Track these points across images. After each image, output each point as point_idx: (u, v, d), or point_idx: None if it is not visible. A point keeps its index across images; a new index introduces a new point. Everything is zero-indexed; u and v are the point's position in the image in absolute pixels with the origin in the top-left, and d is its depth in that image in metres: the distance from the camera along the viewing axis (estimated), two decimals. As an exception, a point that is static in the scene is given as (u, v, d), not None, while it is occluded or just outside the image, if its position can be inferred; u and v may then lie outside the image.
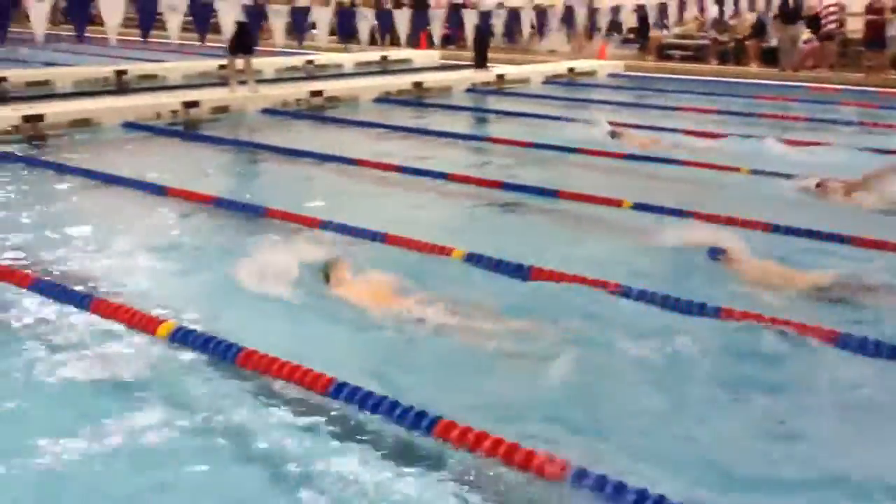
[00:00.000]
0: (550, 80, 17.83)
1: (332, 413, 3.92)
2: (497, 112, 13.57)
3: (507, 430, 3.64)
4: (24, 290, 5.36)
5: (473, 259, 6.04)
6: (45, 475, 3.49)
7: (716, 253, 5.88)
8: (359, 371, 4.25)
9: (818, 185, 7.89)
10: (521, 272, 5.80)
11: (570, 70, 18.59)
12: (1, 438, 3.78)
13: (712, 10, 19.69)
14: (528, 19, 16.85)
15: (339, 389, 3.97)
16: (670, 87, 16.69)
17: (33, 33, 11.16)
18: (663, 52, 21.23)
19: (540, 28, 17.46)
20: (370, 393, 3.94)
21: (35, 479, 3.47)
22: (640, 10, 18.51)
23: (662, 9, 18.45)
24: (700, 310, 5.01)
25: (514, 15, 16.69)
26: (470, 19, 16.42)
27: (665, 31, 20.86)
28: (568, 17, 17.28)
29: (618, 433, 3.81)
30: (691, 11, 19.71)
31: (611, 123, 11.08)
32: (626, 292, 5.27)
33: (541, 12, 17.28)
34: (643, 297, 5.22)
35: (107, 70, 16.27)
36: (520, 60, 19.55)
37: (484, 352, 4.56)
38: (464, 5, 19.08)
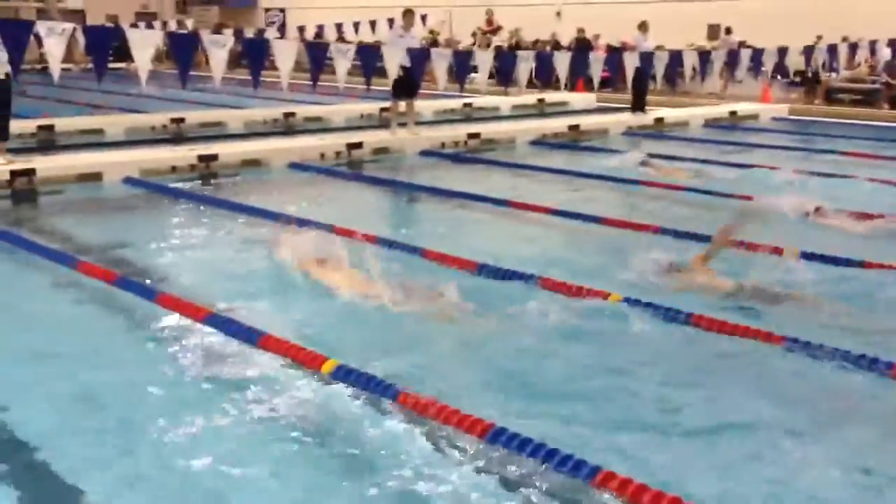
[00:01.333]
0: (711, 123, 17.46)
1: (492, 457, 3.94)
2: (653, 156, 13.36)
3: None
4: (197, 323, 5.65)
5: (630, 303, 5.99)
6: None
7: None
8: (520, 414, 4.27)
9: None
10: (679, 318, 5.72)
11: (732, 113, 18.17)
12: (172, 467, 3.98)
13: (884, 53, 18.86)
14: (689, 62, 16.62)
15: (497, 435, 3.99)
16: (837, 132, 16.04)
17: (212, 77, 11.82)
18: (831, 96, 20.45)
19: (702, 71, 17.19)
20: (528, 439, 3.93)
21: None
22: (808, 53, 17.93)
23: (832, 51, 17.81)
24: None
25: (675, 58, 16.49)
26: (630, 62, 16.33)
27: (833, 75, 20.13)
28: (731, 59, 16.93)
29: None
30: (862, 54, 18.95)
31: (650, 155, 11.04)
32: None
33: (703, 55, 17.01)
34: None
35: (276, 112, 17.07)
36: (679, 103, 19.26)
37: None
38: (623, 48, 19.01)
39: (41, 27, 10.07)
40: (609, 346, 5.45)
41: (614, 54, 17.31)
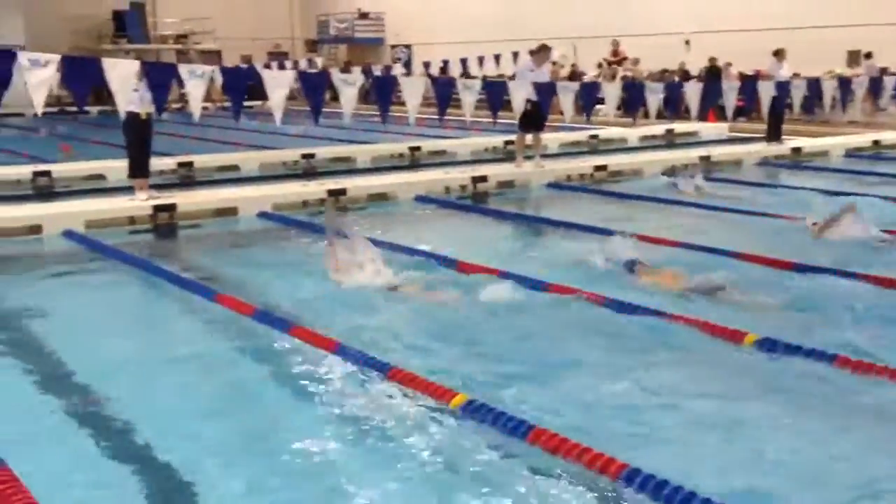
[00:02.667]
0: (852, 153, 16.74)
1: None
2: (789, 187, 12.92)
3: None
4: (323, 354, 5.71)
5: (766, 344, 5.75)
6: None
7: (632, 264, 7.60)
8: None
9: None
10: (824, 358, 5.47)
11: (875, 143, 17.38)
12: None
13: None
14: (828, 90, 16.04)
15: (631, 476, 3.87)
16: None
17: (343, 113, 12.11)
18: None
19: (842, 99, 16.55)
20: (665, 482, 3.80)
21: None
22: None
23: None
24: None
25: (813, 86, 15.94)
26: (765, 91, 15.86)
27: None
28: (874, 86, 16.25)
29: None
30: None
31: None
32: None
33: (843, 82, 16.39)
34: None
35: (402, 147, 17.34)
36: (817, 133, 18.58)
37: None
38: (757, 76, 18.49)
39: (183, 70, 10.54)
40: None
41: (749, 83, 16.83)
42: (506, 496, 3.93)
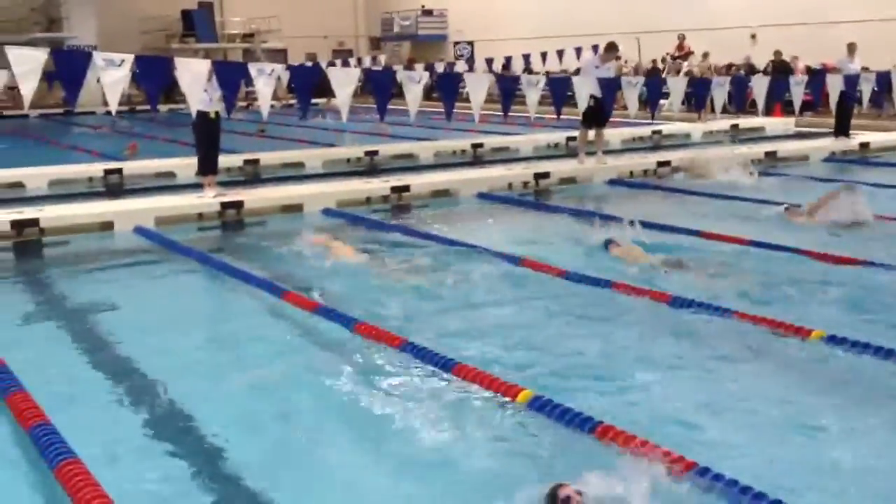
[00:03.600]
0: (921, 147, 16.36)
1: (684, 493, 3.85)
2: (858, 183, 12.66)
3: None
4: (389, 351, 5.81)
5: (834, 341, 5.71)
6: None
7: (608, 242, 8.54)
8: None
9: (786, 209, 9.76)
10: (891, 357, 5.44)
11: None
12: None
13: None
14: (897, 84, 15.67)
15: (701, 474, 3.88)
16: None
17: (408, 111, 12.22)
18: None
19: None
20: (748, 487, 3.80)
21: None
22: None
23: None
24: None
25: (882, 79, 15.59)
26: (833, 85, 15.56)
27: None
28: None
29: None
30: None
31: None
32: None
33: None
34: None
35: (464, 143, 17.40)
36: (886, 128, 18.16)
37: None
38: (825, 70, 18.14)
39: (252, 69, 10.73)
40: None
41: (816, 77, 16.52)
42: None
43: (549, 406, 4.70)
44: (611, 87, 13.53)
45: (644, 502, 3.67)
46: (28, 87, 9.28)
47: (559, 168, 13.74)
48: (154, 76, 10.56)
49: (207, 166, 11.22)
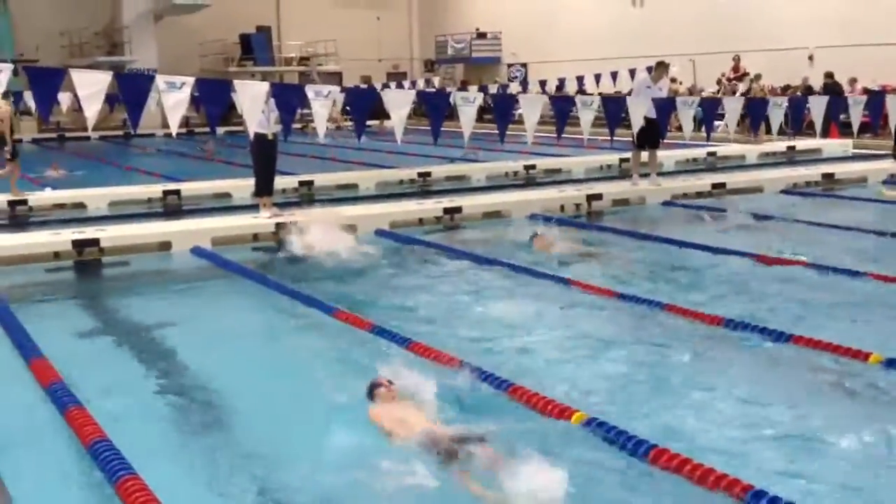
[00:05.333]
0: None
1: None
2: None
3: None
4: (442, 371, 5.78)
5: (893, 364, 5.60)
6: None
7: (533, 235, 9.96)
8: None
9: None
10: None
11: None
12: None
13: None
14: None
15: (756, 498, 3.83)
16: None
17: (462, 132, 12.28)
18: None
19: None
20: (777, 498, 3.75)
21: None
22: None
23: None
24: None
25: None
26: (893, 106, 15.28)
27: None
28: None
29: None
30: None
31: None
32: None
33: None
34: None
35: (516, 165, 17.41)
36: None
37: None
38: (884, 91, 17.84)
39: (309, 91, 10.88)
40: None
41: (874, 98, 16.24)
42: None
43: (604, 427, 4.66)
44: (664, 108, 13.45)
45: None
46: (92, 110, 9.51)
47: (612, 189, 13.68)
48: (214, 98, 10.76)
49: (264, 187, 11.39)
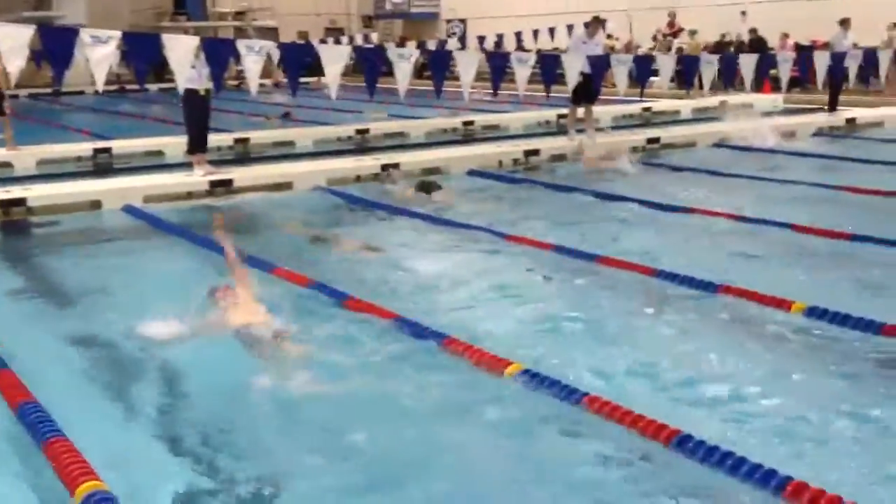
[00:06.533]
0: (911, 123, 16.43)
1: (674, 466, 3.91)
2: (844, 158, 12.78)
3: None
4: (380, 325, 5.83)
5: (815, 313, 5.77)
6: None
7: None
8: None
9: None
10: (870, 328, 5.49)
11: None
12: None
13: None
14: (886, 59, 15.70)
15: (682, 442, 3.94)
16: None
17: (398, 89, 12.20)
18: None
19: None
20: (715, 447, 3.87)
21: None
22: None
23: None
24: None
25: (870, 56, 15.61)
26: (821, 62, 15.58)
27: None
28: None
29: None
30: None
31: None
32: None
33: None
34: None
35: (455, 121, 17.37)
36: (872, 104, 18.21)
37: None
38: (813, 46, 18.15)
39: (241, 45, 10.68)
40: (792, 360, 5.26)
41: (804, 53, 16.51)
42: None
43: (538, 378, 4.74)
44: (600, 64, 13.51)
45: None
46: (14, 65, 9.23)
47: (549, 145, 13.74)
48: (142, 53, 10.53)
49: (197, 144, 11.18)
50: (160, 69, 18.28)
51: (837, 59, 15.61)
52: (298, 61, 11.90)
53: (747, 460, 3.78)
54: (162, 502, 3.81)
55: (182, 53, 10.15)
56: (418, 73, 18.51)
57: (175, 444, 4.36)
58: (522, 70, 13.01)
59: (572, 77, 13.16)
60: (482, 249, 7.99)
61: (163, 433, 4.48)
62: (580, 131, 13.95)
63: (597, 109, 14.55)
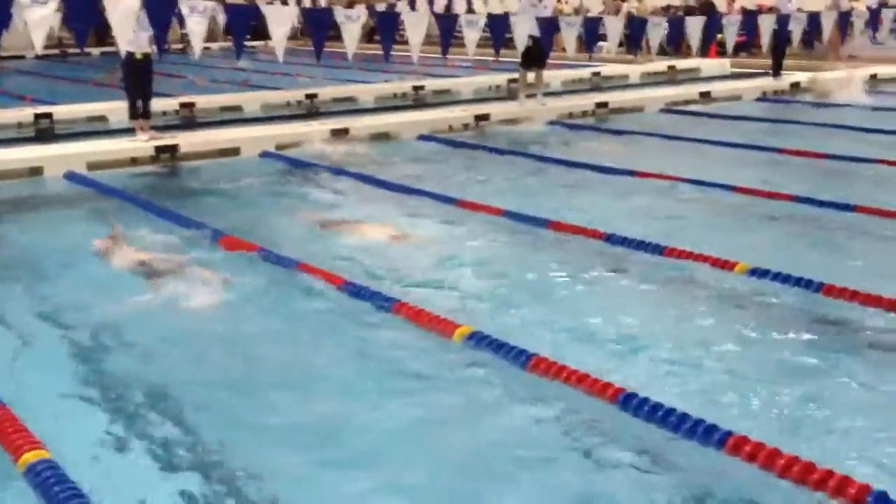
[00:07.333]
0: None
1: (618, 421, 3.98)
2: (788, 122, 13.00)
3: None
4: (330, 292, 5.83)
5: (758, 273, 5.88)
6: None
7: None
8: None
9: None
10: (810, 287, 5.62)
11: (873, 76, 17.28)
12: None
13: None
14: (829, 23, 15.91)
15: (627, 400, 4.01)
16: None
17: (346, 52, 12.08)
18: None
19: (842, 33, 16.43)
20: (659, 404, 3.94)
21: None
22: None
23: None
24: None
25: (814, 19, 15.82)
26: (766, 25, 15.74)
27: None
28: (873, 20, 16.12)
29: None
30: None
31: None
32: None
33: (843, 15, 16.25)
34: None
35: (405, 86, 17.26)
36: (817, 67, 18.47)
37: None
38: (759, 10, 18.31)
39: (184, 6, 10.43)
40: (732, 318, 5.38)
41: (749, 17, 16.65)
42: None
43: (486, 341, 4.79)
44: (548, 28, 13.51)
45: None
46: (-56, 28, 8.93)
47: (500, 110, 13.74)
48: (82, 15, 10.22)
49: (138, 110, 10.95)
50: (103, 32, 17.82)
51: (783, 22, 15.77)
52: (244, 24, 11.68)
53: (690, 416, 3.85)
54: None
55: (122, 14, 9.88)
56: (368, 37, 18.36)
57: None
58: (472, 32, 12.94)
59: (521, 40, 13.13)
60: (432, 214, 8.00)
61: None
62: (531, 96, 13.95)
63: (546, 74, 14.55)
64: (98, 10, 10.09)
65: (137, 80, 10.75)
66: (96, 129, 12.88)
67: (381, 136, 12.14)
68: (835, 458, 3.63)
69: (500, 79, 17.64)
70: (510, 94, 15.80)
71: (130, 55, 10.45)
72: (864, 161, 9.75)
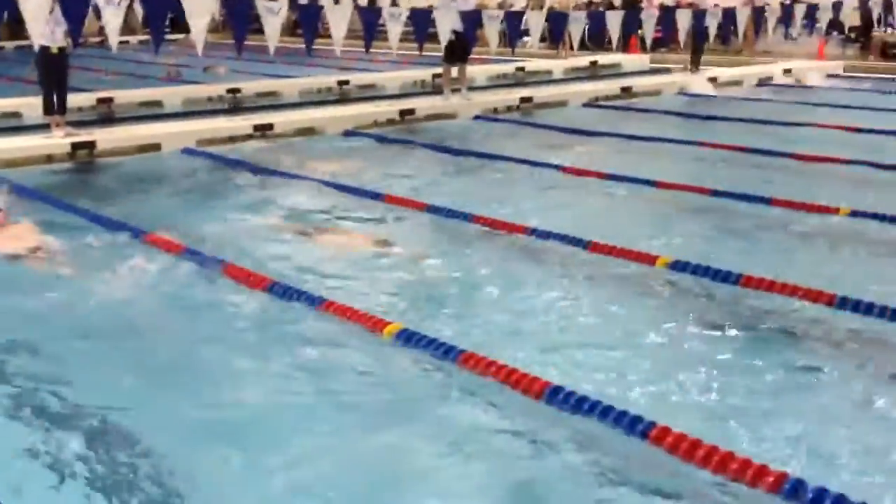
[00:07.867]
0: (764, 82, 17.20)
1: (547, 416, 4.04)
2: (707, 117, 13.30)
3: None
4: (256, 291, 5.76)
5: (679, 267, 6.02)
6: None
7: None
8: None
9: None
10: (729, 279, 5.76)
11: (786, 71, 17.82)
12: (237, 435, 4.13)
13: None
14: (743, 19, 16.32)
15: (554, 393, 4.07)
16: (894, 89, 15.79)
17: (267, 46, 11.95)
18: (888, 52, 19.97)
19: (756, 28, 16.88)
20: (585, 397, 4.01)
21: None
22: (864, 8, 17.51)
23: (888, 6, 17.37)
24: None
25: (729, 15, 16.21)
26: (684, 20, 16.07)
27: (890, 30, 19.66)
28: (785, 16, 16.60)
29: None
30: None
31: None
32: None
33: (758, 11, 16.69)
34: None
35: (330, 80, 17.15)
36: (734, 62, 18.96)
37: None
38: (678, 6, 18.68)
39: (98, -3, 10.19)
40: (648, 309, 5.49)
41: (667, 13, 16.97)
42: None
43: (415, 338, 4.80)
44: (471, 21, 13.56)
45: None
46: None
47: (425, 104, 13.76)
48: (-7, 7, 9.89)
49: (53, 105, 10.64)
50: (16, 25, 17.27)
51: (699, 17, 16.12)
52: (162, 16, 11.44)
53: (614, 408, 3.93)
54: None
55: (36, 7, 9.60)
56: (291, 30, 18.16)
57: None
58: (395, 26, 12.93)
59: (444, 33, 13.16)
60: (357, 209, 7.97)
61: None
62: (456, 90, 14.00)
63: (471, 69, 14.62)
64: (11, 2, 9.78)
65: (52, 75, 10.45)
66: (10, 125, 12.51)
67: (306, 132, 12.06)
68: (755, 446, 3.74)
69: (425, 73, 17.65)
70: (435, 89, 15.83)
71: (45, 49, 10.16)
72: (779, 155, 10.05)
